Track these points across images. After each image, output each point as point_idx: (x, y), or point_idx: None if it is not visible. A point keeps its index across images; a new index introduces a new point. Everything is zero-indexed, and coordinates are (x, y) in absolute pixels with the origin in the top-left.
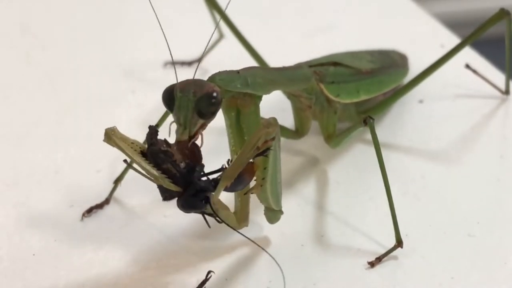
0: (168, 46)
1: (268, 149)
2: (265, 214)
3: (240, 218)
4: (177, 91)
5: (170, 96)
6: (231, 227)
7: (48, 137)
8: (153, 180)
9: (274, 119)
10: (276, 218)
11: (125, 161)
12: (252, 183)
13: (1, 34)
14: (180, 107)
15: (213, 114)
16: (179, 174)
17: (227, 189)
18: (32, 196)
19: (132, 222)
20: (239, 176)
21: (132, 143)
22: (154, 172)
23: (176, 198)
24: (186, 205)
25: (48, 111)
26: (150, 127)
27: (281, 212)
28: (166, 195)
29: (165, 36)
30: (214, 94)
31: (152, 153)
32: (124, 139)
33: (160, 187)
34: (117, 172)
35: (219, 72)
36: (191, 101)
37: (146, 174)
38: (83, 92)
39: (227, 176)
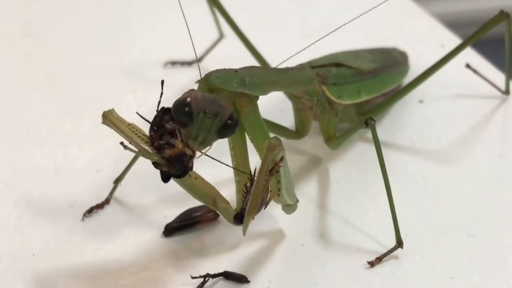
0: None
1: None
2: (282, 208)
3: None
4: (196, 109)
5: (187, 114)
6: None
7: (48, 137)
8: (147, 157)
9: (276, 138)
10: (294, 209)
11: (121, 143)
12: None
13: (1, 34)
14: (201, 128)
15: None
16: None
17: None
18: (32, 196)
19: (132, 222)
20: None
21: (128, 124)
22: (149, 149)
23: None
24: (174, 162)
25: (48, 111)
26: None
27: (298, 201)
28: (166, 176)
29: (190, 36)
30: (235, 117)
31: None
32: (121, 120)
33: (162, 171)
34: (117, 172)
35: (216, 70)
36: (215, 124)
37: (142, 153)
38: (83, 92)
39: (252, 210)
